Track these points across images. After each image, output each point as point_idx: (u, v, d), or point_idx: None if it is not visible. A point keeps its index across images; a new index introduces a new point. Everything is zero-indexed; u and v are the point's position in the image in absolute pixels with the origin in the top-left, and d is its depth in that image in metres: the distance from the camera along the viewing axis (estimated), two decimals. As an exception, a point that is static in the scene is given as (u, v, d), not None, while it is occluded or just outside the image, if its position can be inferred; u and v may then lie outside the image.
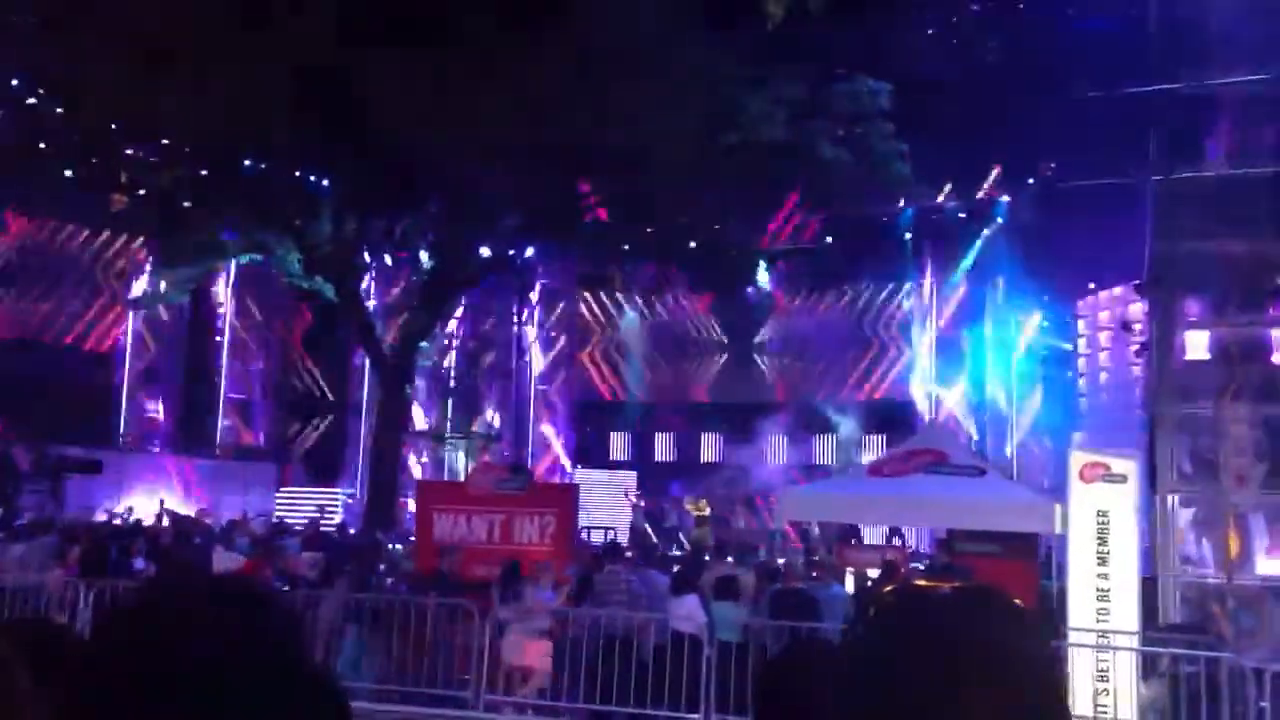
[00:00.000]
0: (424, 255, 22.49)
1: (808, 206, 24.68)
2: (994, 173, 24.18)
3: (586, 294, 29.38)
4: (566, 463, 28.57)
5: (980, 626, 1.30)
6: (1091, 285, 22.44)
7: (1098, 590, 12.31)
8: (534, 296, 29.18)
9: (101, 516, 19.14)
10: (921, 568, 15.83)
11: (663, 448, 28.77)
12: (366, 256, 23.77)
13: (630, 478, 26.20)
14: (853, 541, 15.13)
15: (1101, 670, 11.80)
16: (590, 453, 28.59)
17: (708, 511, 21.77)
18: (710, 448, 28.00)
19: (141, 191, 22.54)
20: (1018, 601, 1.41)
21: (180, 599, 1.51)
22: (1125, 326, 19.50)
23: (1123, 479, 12.72)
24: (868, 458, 19.81)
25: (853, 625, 1.50)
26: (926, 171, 22.37)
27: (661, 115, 17.67)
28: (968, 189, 24.60)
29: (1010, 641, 1.30)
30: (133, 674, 1.36)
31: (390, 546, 17.78)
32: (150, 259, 23.88)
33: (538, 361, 29.50)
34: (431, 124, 16.97)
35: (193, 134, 19.63)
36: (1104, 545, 12.39)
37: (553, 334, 29.56)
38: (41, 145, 20.64)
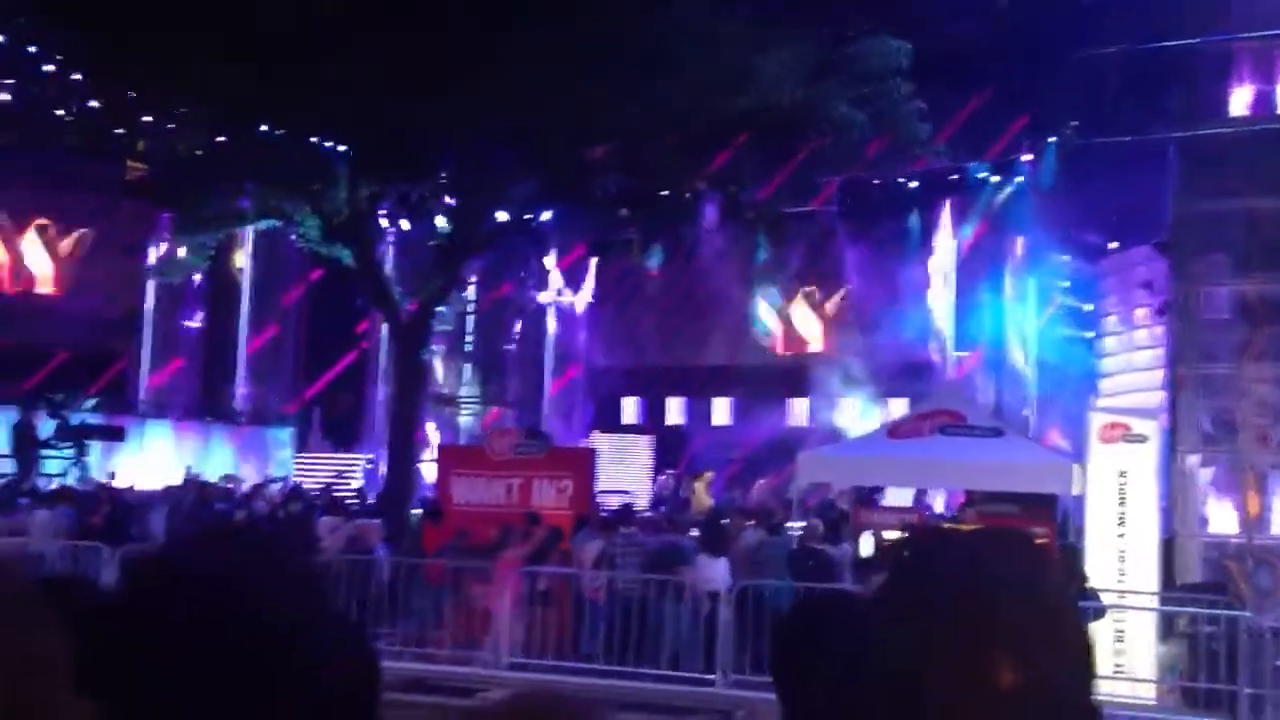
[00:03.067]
0: (440, 220, 22.49)
1: (824, 168, 24.51)
2: (1014, 131, 23.95)
3: (601, 258, 29.31)
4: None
5: (1008, 565, 1.30)
6: (1113, 245, 22.26)
7: (1117, 551, 12.30)
8: (549, 261, 29.14)
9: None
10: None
11: (677, 411, 28.78)
12: (384, 223, 23.76)
13: (645, 441, 26.28)
14: (872, 503, 15.12)
15: (1119, 630, 11.81)
16: (606, 418, 28.63)
17: (709, 476, 21.90)
18: (725, 411, 28.00)
19: (158, 159, 22.62)
20: (1041, 543, 1.42)
21: (205, 550, 1.52)
22: (1146, 286, 19.35)
23: (1143, 439, 12.70)
24: (884, 419, 19.77)
25: (883, 570, 1.50)
26: (945, 131, 22.18)
27: (673, 79, 17.57)
28: (987, 148, 24.39)
29: (1037, 580, 1.30)
30: (159, 622, 1.37)
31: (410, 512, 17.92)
32: (168, 226, 23.94)
33: (553, 325, 29.51)
34: (438, 91, 16.91)
35: (209, 101, 19.63)
36: (1123, 506, 12.39)
37: (568, 298, 29.54)
38: (59, 112, 20.68)
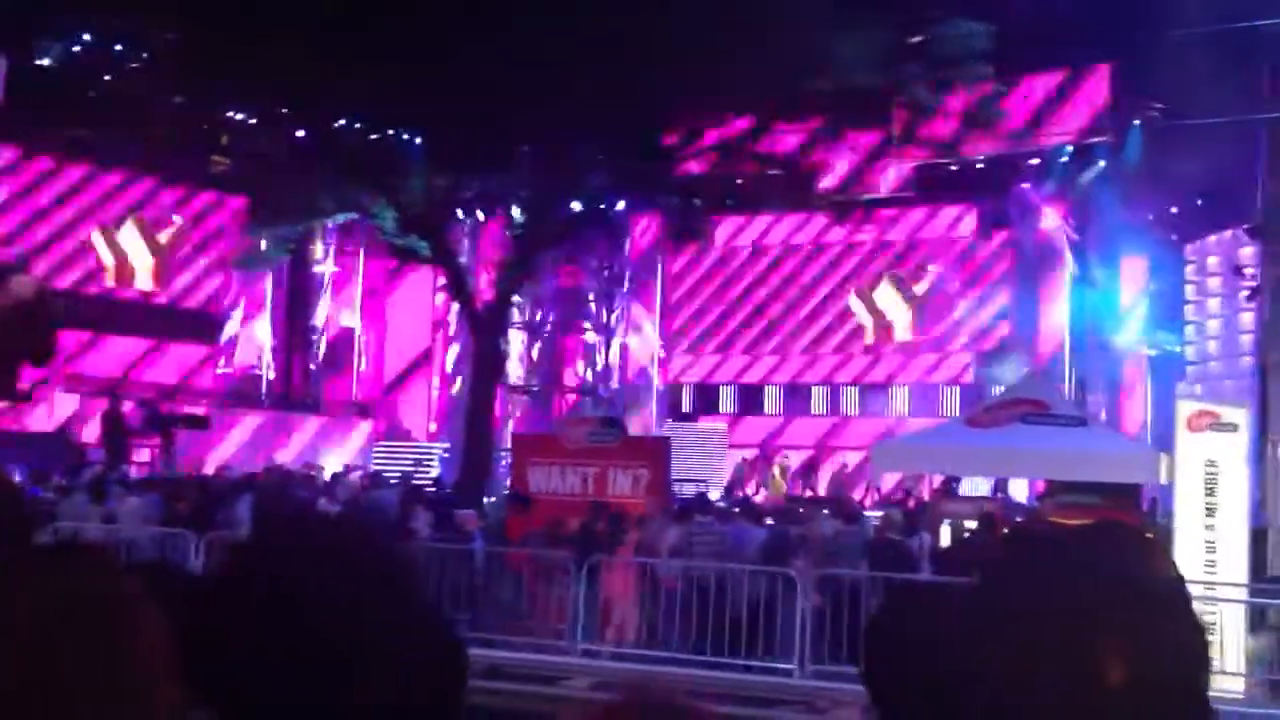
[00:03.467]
0: (515, 211, 22.61)
1: (904, 152, 24.24)
2: (1098, 113, 23.44)
3: (678, 246, 29.27)
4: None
5: (1116, 559, 1.29)
6: (1201, 230, 21.72)
7: (1205, 541, 12.02)
8: (625, 250, 29.18)
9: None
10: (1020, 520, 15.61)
11: (765, 401, 28.60)
12: (460, 214, 23.97)
13: (720, 430, 26.21)
14: (951, 493, 14.95)
15: (1209, 622, 11.53)
16: (681, 407, 28.62)
17: (788, 464, 21.78)
18: (803, 399, 27.79)
19: (241, 153, 23.07)
20: (1149, 535, 1.41)
21: (290, 537, 1.54)
22: (1237, 271, 18.85)
23: (1233, 428, 12.37)
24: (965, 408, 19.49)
25: (987, 565, 1.49)
26: (1027, 113, 21.83)
27: (753, 62, 17.46)
28: (1071, 130, 23.90)
29: (1149, 573, 1.30)
30: (245, 607, 1.39)
31: (485, 499, 18.06)
32: (250, 219, 24.38)
33: (629, 315, 29.54)
34: (518, 80, 16.98)
35: (290, 97, 19.96)
36: (1212, 496, 12.08)
37: (643, 287, 29.55)
38: (147, 109, 21.16)
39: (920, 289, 26.87)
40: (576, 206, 22.74)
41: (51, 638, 1.09)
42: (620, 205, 25.07)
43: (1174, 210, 22.66)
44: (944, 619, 2.02)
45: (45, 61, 20.40)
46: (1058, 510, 12.84)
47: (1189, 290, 21.81)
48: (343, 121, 20.48)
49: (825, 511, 14.65)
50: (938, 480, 16.88)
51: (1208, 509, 12.06)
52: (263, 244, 23.82)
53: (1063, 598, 1.23)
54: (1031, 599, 1.25)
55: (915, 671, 1.93)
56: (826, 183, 23.98)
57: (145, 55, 20.62)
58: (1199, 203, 21.65)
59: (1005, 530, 12.87)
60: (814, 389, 27.87)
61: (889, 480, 18.59)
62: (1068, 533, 1.37)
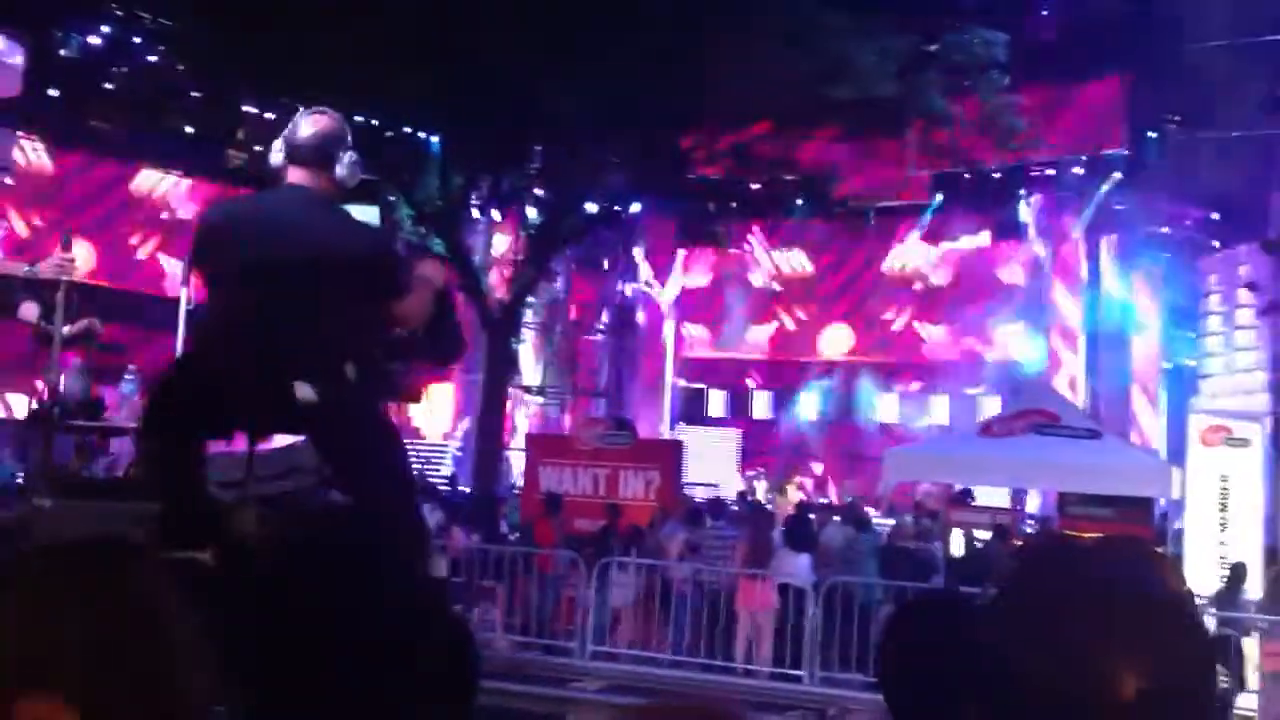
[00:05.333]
0: (531, 211, 22.61)
1: (918, 161, 24.22)
2: (1113, 124, 23.41)
3: (691, 249, 29.26)
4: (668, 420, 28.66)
5: (1130, 573, 1.31)
6: (1215, 244, 21.65)
7: (1218, 558, 12.00)
8: (639, 252, 29.19)
9: None
10: (1031, 530, 15.60)
11: (765, 405, 28.60)
12: (475, 213, 24.00)
13: (732, 435, 26.19)
14: (964, 502, 14.93)
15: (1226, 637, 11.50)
16: (692, 410, 28.60)
17: (799, 480, 21.79)
18: (812, 405, 27.75)
19: (257, 147, 23.07)
20: (1161, 551, 1.43)
21: (313, 529, 1.58)
22: (1250, 286, 18.79)
23: (1245, 443, 12.37)
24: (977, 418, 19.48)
25: (1003, 577, 1.51)
26: (1040, 124, 21.75)
27: (772, 69, 17.47)
28: (1086, 141, 23.87)
29: (1159, 588, 1.31)
30: (271, 595, 1.43)
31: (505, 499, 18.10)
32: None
33: (641, 316, 29.54)
34: (536, 81, 17.01)
35: (307, 93, 19.94)
36: (1225, 511, 12.09)
37: (656, 289, 29.56)
38: (162, 102, 21.23)
39: (940, 293, 26.89)
40: (592, 208, 22.77)
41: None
42: (636, 207, 25.07)
43: (1189, 223, 22.60)
44: (953, 626, 2.05)
45: (64, 53, 20.48)
46: (1069, 522, 12.83)
47: (1204, 304, 21.75)
48: (360, 118, 20.51)
49: (837, 518, 14.65)
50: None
51: (1221, 524, 12.06)
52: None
53: (1075, 610, 1.24)
54: (1047, 611, 1.26)
55: (930, 680, 1.96)
56: (841, 190, 23.94)
57: (162, 48, 20.70)
58: (1215, 216, 21.58)
59: (1018, 542, 12.88)
60: (805, 395, 27.76)
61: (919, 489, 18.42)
62: (1082, 546, 1.39)
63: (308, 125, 4.13)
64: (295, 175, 4.09)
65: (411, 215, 21.09)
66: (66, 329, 5.53)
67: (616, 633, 13.11)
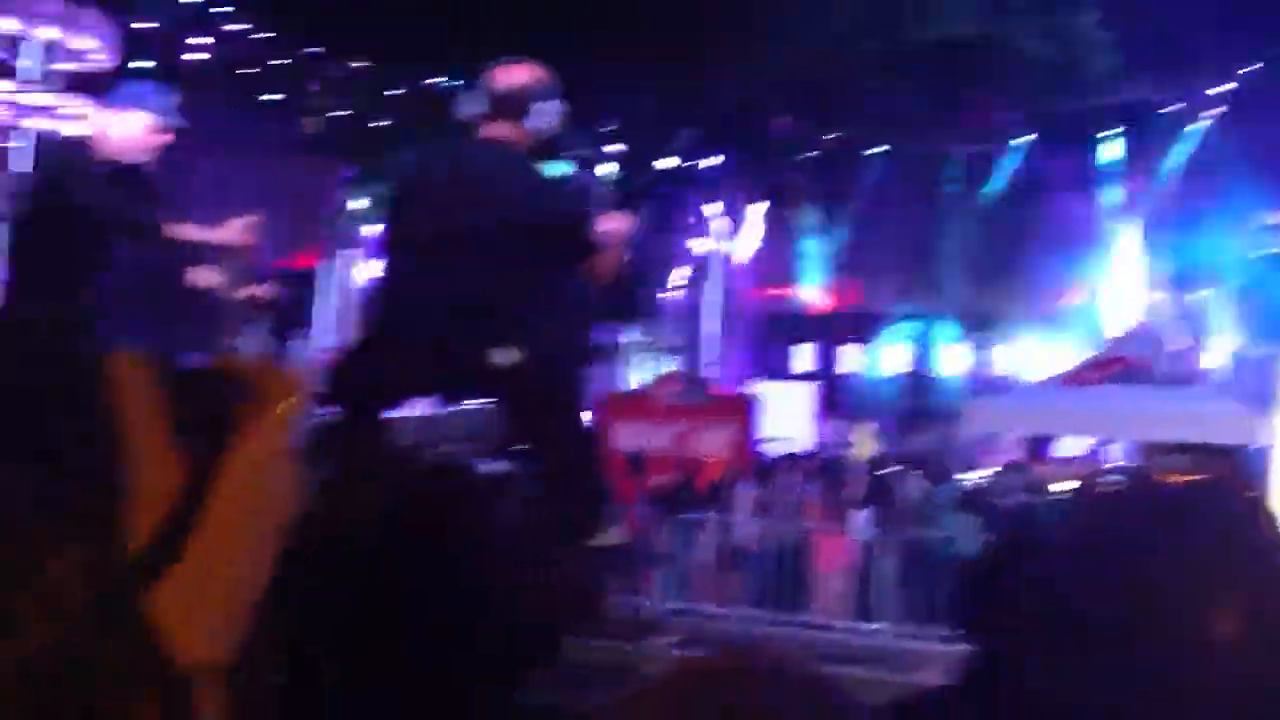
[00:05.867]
0: (600, 168, 22.50)
1: (1005, 105, 23.61)
2: (1213, 62, 22.51)
3: (767, 204, 28.94)
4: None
5: (1225, 516, 1.29)
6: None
7: (1309, 505, 11.55)
8: (715, 208, 28.93)
9: None
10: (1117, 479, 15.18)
11: (846, 359, 28.26)
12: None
13: (809, 390, 25.95)
14: (1044, 454, 14.61)
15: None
16: (769, 364, 28.38)
17: (873, 427, 21.46)
18: (894, 358, 27.38)
19: (335, 113, 23.35)
20: (1253, 495, 1.38)
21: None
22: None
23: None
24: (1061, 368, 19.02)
25: (1085, 519, 1.49)
26: (1136, 64, 21.03)
27: (849, 12, 17.12)
28: (1182, 82, 22.99)
29: (1252, 530, 1.29)
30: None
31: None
32: (348, 180, 24.73)
33: (717, 272, 29.33)
34: (602, 37, 16.89)
35: (383, 55, 20.13)
36: (1318, 458, 11.59)
37: (733, 244, 29.32)
38: (239, 70, 21.52)
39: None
40: (666, 164, 22.64)
41: None
42: (710, 161, 24.88)
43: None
44: (1037, 570, 1.95)
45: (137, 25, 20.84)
46: (1156, 471, 12.45)
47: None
48: (432, 80, 20.62)
49: (916, 472, 14.45)
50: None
51: (1313, 471, 11.57)
52: (362, 203, 24.15)
53: (1169, 554, 1.23)
54: (1136, 555, 1.24)
55: (1008, 621, 1.86)
56: (921, 140, 23.45)
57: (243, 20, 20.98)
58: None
59: (1103, 489, 12.54)
60: (887, 348, 27.32)
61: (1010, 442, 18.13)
62: (1172, 489, 1.34)
63: (503, 76, 4.08)
64: (489, 129, 4.03)
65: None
66: (255, 291, 5.52)
67: (692, 587, 13.10)
